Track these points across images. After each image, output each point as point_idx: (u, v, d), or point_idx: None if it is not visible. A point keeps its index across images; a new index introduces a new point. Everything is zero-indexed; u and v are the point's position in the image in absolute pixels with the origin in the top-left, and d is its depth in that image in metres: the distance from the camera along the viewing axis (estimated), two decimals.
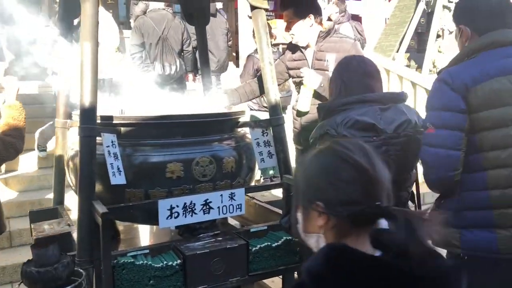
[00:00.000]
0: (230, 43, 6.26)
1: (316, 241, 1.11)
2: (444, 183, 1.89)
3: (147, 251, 2.23)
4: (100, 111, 2.31)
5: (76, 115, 2.63)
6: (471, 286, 1.42)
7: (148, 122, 2.46)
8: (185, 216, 2.30)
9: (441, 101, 1.87)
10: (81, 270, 2.06)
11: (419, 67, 8.42)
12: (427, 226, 0.97)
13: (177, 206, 2.27)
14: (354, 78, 2.02)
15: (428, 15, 8.85)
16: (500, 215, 1.83)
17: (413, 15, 8.54)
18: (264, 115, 5.02)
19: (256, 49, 5.00)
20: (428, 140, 1.88)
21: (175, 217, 2.29)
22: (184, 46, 5.22)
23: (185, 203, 2.27)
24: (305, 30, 3.09)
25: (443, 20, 7.65)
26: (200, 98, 3.23)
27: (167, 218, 2.27)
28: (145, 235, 2.95)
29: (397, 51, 8.51)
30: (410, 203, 2.17)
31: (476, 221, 1.86)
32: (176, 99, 3.21)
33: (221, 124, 2.64)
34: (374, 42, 9.10)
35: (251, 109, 5.36)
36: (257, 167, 2.81)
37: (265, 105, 4.98)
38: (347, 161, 1.06)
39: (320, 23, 3.15)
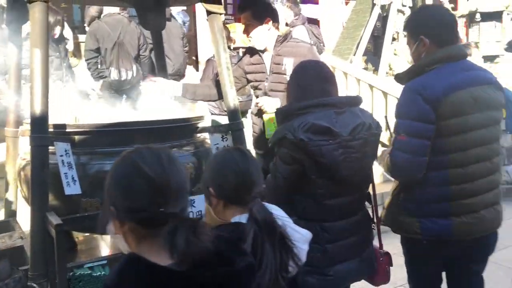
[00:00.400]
0: (186, 48, 6.22)
1: (122, 243, 1.22)
2: (411, 183, 2.17)
3: (105, 261, 2.16)
4: (53, 119, 2.24)
5: (27, 123, 2.54)
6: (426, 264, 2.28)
7: (103, 129, 2.39)
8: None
9: (413, 112, 2.08)
10: (34, 285, 1.99)
11: (376, 69, 8.63)
12: (208, 232, 1.15)
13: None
14: (311, 82, 2.04)
15: (383, 19, 9.08)
16: (456, 205, 2.13)
17: (369, 19, 8.75)
18: (226, 120, 5.00)
19: None
20: (400, 146, 2.13)
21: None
22: (141, 51, 5.13)
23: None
24: (263, 34, 3.10)
25: (398, 23, 7.87)
26: (157, 103, 3.18)
27: None
28: (105, 245, 2.88)
29: (355, 54, 8.70)
30: (367, 203, 2.21)
31: (435, 211, 2.14)
32: (134, 105, 3.15)
33: (179, 130, 2.61)
34: (332, 46, 9.26)
35: (211, 114, 5.32)
36: None
37: (225, 109, 4.97)
38: (137, 170, 1.16)
39: (277, 28, 3.16)
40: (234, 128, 2.69)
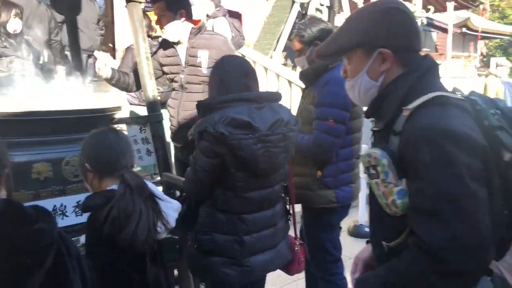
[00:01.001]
0: (102, 31, 5.97)
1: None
2: (326, 160, 2.58)
3: None
4: None
5: None
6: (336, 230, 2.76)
7: (10, 118, 2.23)
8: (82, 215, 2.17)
9: (341, 102, 2.46)
10: None
11: (295, 66, 8.86)
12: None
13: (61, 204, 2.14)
14: (232, 77, 2.06)
15: (303, 16, 9.33)
16: (353, 174, 2.69)
17: (289, 16, 8.94)
18: (145, 111, 4.86)
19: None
20: (329, 130, 2.49)
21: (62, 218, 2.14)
22: (52, 36, 4.84)
23: (54, 206, 2.13)
24: (176, 26, 3.03)
25: None
26: (71, 91, 3.02)
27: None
28: None
29: (275, 50, 8.85)
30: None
31: (343, 181, 2.62)
32: (46, 93, 2.97)
33: (94, 120, 2.49)
34: (253, 40, 9.35)
35: (130, 104, 5.14)
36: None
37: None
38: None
39: (191, 20, 3.11)
40: (152, 119, 2.64)
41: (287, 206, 2.31)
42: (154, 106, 2.63)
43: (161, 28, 3.03)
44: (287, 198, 2.31)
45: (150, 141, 2.64)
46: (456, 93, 1.30)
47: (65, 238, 1.31)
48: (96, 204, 1.72)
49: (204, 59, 2.96)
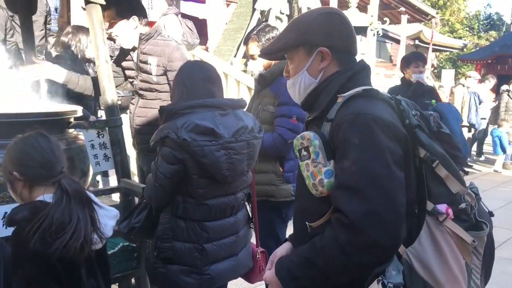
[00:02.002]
0: (49, 26, 5.77)
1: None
2: (289, 155, 2.71)
3: None
4: None
5: None
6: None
7: None
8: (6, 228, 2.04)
9: None
10: None
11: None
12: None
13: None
14: (196, 83, 2.04)
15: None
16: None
17: (249, 23, 8.98)
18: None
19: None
20: (293, 127, 2.62)
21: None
22: (8, 36, 4.64)
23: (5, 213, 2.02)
24: (128, 32, 2.95)
25: None
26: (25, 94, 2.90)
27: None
28: None
29: (235, 56, 8.87)
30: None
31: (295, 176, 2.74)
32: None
33: (48, 125, 2.39)
34: (213, 46, 9.33)
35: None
36: (91, 171, 2.64)
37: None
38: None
39: (146, 25, 3.03)
40: (111, 124, 2.57)
41: (250, 214, 2.30)
42: (113, 110, 2.56)
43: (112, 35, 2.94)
44: (250, 206, 2.30)
45: (108, 146, 2.57)
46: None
47: None
48: (23, 217, 1.54)
49: (154, 66, 2.89)
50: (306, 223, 1.36)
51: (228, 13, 10.19)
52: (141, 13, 3.00)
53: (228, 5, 10.73)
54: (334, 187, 1.27)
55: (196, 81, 2.05)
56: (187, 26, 6.16)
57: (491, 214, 1.45)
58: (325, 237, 1.26)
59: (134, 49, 3.03)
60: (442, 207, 1.30)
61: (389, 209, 1.19)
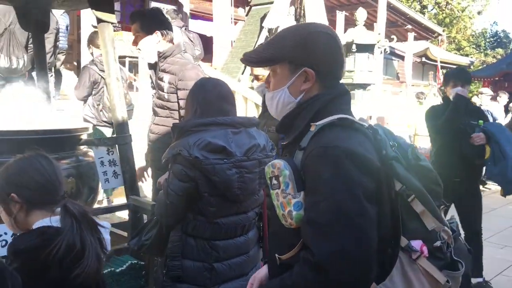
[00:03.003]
0: (58, 43, 5.86)
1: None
2: None
3: None
4: None
5: None
6: None
7: None
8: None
9: None
10: None
11: None
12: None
13: (5, 233, 2.02)
14: (209, 100, 2.03)
15: None
16: None
17: (257, 41, 9.06)
18: (104, 131, 4.76)
19: (93, 60, 4.74)
20: None
21: (3, 246, 2.04)
22: (29, 42, 4.74)
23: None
24: (151, 46, 2.99)
25: None
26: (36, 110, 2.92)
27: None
28: None
29: (242, 73, 8.92)
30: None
31: None
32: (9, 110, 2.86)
33: (59, 141, 2.42)
34: (221, 63, 9.40)
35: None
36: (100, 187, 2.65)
37: (104, 119, 4.70)
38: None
39: (171, 41, 3.09)
40: (121, 141, 2.58)
41: (260, 233, 2.28)
42: (123, 128, 2.57)
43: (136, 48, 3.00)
44: (261, 225, 2.29)
45: (118, 163, 2.58)
46: (362, 122, 1.38)
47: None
48: (34, 246, 1.42)
49: (166, 83, 2.90)
50: (276, 255, 1.33)
51: (236, 31, 10.28)
52: (165, 28, 3.03)
53: (236, 23, 10.84)
54: (303, 222, 1.22)
55: (209, 98, 2.04)
56: (188, 38, 6.22)
57: (470, 251, 1.40)
58: (295, 274, 1.21)
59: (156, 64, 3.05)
60: (417, 244, 1.24)
61: (359, 247, 1.14)
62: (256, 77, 2.82)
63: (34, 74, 4.97)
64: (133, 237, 2.41)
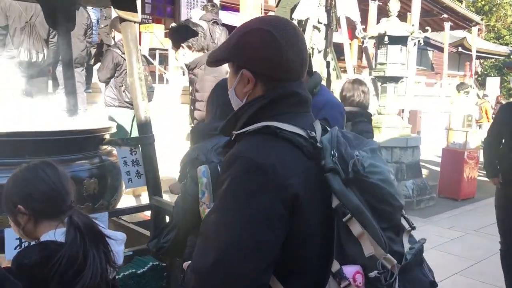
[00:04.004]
0: (90, 39, 5.95)
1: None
2: None
3: None
4: None
5: None
6: None
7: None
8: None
9: (341, 124, 2.43)
10: None
11: None
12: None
13: None
14: (229, 102, 1.98)
15: None
16: None
17: None
18: (125, 112, 4.86)
19: (115, 43, 4.86)
20: None
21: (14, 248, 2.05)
22: (50, 37, 4.83)
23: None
24: (180, 60, 3.47)
25: (313, 39, 8.14)
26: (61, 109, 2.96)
27: (15, 248, 2.02)
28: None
29: None
30: None
31: None
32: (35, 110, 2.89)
33: (82, 142, 2.43)
34: None
35: (109, 106, 4.99)
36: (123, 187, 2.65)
37: (127, 100, 4.77)
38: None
39: (201, 50, 3.44)
40: (144, 141, 2.57)
41: None
42: (146, 128, 2.56)
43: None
44: None
45: (141, 163, 2.57)
46: (315, 127, 1.23)
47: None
48: (35, 262, 1.39)
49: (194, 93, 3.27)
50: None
51: None
52: (191, 38, 3.38)
53: (266, 13, 10.72)
54: None
55: (229, 100, 1.99)
56: (211, 36, 6.25)
57: (433, 285, 1.21)
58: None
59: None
60: (350, 271, 1.07)
61: (230, 269, 1.04)
62: None
63: (57, 70, 5.11)
64: (152, 238, 2.40)
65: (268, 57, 1.20)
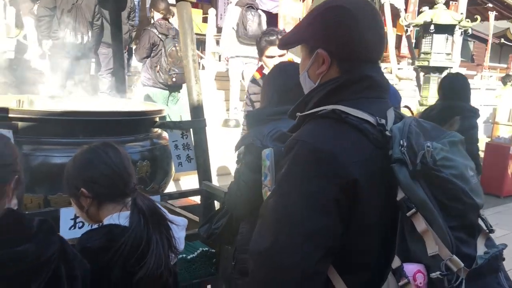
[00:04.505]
0: (133, 22, 5.98)
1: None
2: None
3: None
4: None
5: None
6: None
7: (49, 118, 2.15)
8: (91, 227, 2.04)
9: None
10: None
11: None
12: None
13: None
14: (289, 86, 1.86)
15: None
16: None
17: None
18: (160, 92, 4.96)
19: (153, 23, 4.93)
20: None
21: (80, 227, 2.03)
22: (94, 20, 4.88)
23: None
24: None
25: None
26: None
27: (70, 229, 2.01)
28: None
29: None
30: None
31: None
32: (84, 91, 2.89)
33: (135, 124, 2.40)
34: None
35: (144, 85, 5.11)
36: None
37: (161, 81, 4.89)
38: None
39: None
40: (195, 125, 2.52)
41: None
42: (198, 111, 2.51)
43: None
44: None
45: (191, 147, 2.52)
46: (387, 114, 1.15)
47: (70, 258, 1.18)
48: (99, 247, 1.36)
49: None
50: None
51: (304, 8, 9.99)
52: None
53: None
54: None
55: (289, 85, 1.89)
56: (242, 22, 6.20)
57: None
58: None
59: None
60: (411, 268, 1.00)
61: (284, 254, 1.02)
62: None
63: (100, 52, 5.17)
64: (203, 224, 2.36)
65: (346, 36, 1.15)
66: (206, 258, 2.35)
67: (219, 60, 8.09)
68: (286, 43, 1.30)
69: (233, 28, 6.27)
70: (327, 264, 1.07)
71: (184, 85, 5.19)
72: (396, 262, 1.03)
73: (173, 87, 5.12)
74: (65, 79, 3.42)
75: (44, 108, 2.29)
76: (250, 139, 1.80)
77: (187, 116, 3.07)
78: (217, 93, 7.35)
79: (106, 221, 1.45)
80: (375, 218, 1.07)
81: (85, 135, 2.20)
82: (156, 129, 2.57)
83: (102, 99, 2.68)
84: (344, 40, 1.15)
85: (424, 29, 6.76)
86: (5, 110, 2.04)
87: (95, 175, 1.45)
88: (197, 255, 2.31)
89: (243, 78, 6.67)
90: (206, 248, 2.37)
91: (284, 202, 1.06)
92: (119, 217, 1.42)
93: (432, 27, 6.57)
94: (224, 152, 4.59)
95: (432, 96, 6.82)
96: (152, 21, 5.12)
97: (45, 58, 5.12)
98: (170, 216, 1.55)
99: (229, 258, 2.06)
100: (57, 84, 3.28)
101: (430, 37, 6.71)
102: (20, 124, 2.07)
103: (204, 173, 2.53)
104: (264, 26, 6.55)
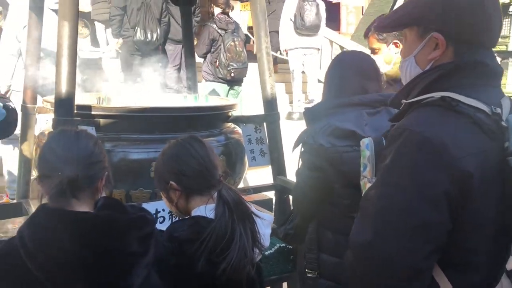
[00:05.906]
0: (198, 18, 6.07)
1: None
2: None
3: None
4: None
5: (47, 102, 2.33)
6: None
7: (129, 114, 2.19)
8: (172, 221, 2.06)
9: None
10: None
11: None
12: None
13: (163, 210, 2.04)
14: (346, 77, 1.76)
15: None
16: None
17: (393, 5, 8.43)
18: (221, 86, 5.05)
19: (213, 18, 5.00)
20: None
21: (161, 222, 2.06)
22: (162, 16, 5.01)
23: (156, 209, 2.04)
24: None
25: None
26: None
27: None
28: None
29: None
30: None
31: None
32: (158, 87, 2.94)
33: (210, 119, 2.40)
34: (351, 31, 8.98)
35: (206, 80, 5.24)
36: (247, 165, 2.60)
37: (220, 76, 4.99)
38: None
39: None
40: (269, 119, 2.48)
41: None
42: (272, 105, 2.46)
43: None
44: None
45: (265, 141, 2.49)
46: (502, 103, 1.05)
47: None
48: (186, 237, 1.40)
49: None
50: None
51: None
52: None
53: None
54: None
55: (346, 75, 1.77)
56: (300, 15, 6.08)
57: None
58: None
59: None
60: None
61: (389, 247, 0.99)
62: (373, 50, 2.41)
63: (166, 48, 5.29)
64: (281, 224, 2.31)
65: (470, 15, 1.06)
66: (283, 254, 2.31)
67: (280, 54, 8.04)
68: (392, 25, 1.22)
69: (290, 19, 6.19)
70: (432, 262, 1.02)
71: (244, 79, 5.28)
72: (511, 263, 1.00)
73: (233, 82, 5.18)
74: (135, 76, 3.51)
75: (124, 105, 2.34)
76: (304, 137, 1.74)
77: (244, 110, 3.05)
78: (277, 86, 7.32)
79: (194, 213, 1.48)
80: (486, 216, 1.01)
81: (162, 131, 2.22)
82: (229, 124, 2.56)
83: (171, 95, 2.70)
84: (468, 19, 1.07)
85: (503, 10, 6.34)
86: (88, 108, 2.10)
87: (183, 168, 1.48)
88: (274, 251, 2.27)
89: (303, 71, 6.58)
90: (283, 244, 2.33)
91: (390, 193, 1.02)
92: (206, 209, 1.44)
93: (511, 8, 6.15)
94: (289, 146, 4.55)
95: (510, 83, 6.39)
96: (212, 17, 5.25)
97: (115, 57, 5.33)
98: (255, 210, 1.54)
99: (301, 258, 2.01)
100: (127, 81, 3.37)
101: (509, 20, 6.28)
102: (101, 121, 2.12)
103: (278, 168, 2.49)
104: (323, 16, 6.41)
